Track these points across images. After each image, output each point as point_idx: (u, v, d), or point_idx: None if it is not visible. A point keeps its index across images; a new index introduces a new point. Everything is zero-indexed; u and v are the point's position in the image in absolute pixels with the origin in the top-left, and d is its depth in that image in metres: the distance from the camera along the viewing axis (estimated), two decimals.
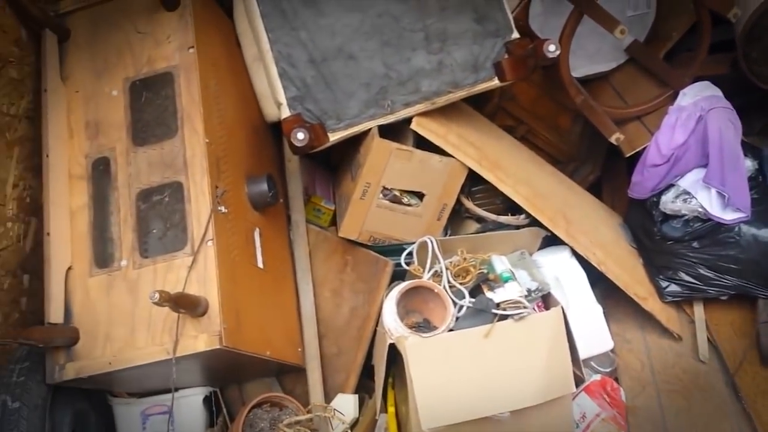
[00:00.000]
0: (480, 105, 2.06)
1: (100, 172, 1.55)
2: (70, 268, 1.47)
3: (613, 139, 1.92)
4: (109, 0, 1.70)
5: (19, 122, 1.63)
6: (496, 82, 1.76)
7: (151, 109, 1.60)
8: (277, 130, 1.91)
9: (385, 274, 1.75)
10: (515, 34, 1.77)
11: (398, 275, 1.76)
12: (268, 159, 1.90)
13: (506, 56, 1.74)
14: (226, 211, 1.52)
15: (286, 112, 1.65)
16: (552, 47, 1.70)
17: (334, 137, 1.68)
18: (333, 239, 1.83)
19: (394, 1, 1.71)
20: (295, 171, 1.90)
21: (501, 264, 1.65)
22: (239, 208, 1.60)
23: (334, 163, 2.05)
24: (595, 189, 2.24)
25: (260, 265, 1.61)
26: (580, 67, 2.11)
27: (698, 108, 1.84)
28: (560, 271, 1.75)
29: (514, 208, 1.80)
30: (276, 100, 1.68)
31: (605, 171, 2.26)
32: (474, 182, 1.83)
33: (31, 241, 1.60)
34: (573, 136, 2.21)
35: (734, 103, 1.87)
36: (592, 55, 2.13)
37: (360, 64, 1.70)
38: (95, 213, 1.52)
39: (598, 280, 1.79)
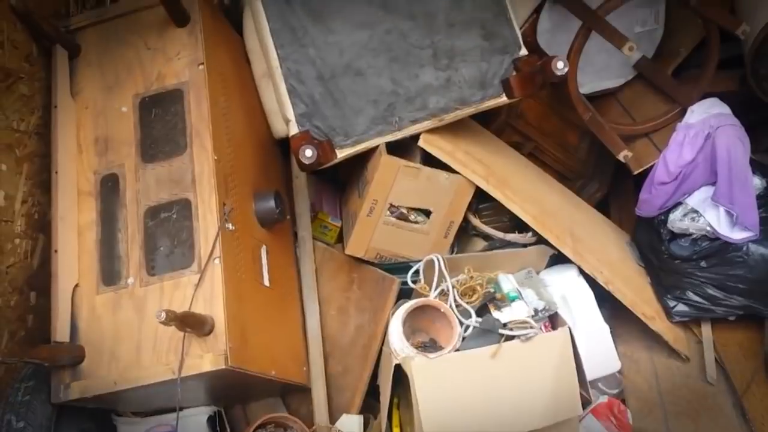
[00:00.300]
0: (488, 121, 2.06)
1: (109, 188, 1.56)
2: (77, 286, 1.48)
3: (621, 157, 1.91)
4: (119, 16, 1.71)
5: (29, 138, 1.63)
6: (504, 99, 1.76)
7: (160, 125, 1.60)
8: (284, 146, 1.91)
9: (391, 293, 1.74)
10: (523, 51, 1.77)
11: (405, 293, 1.76)
12: (275, 175, 1.90)
13: (514, 73, 1.74)
14: (234, 228, 1.52)
15: (294, 129, 1.65)
16: (560, 64, 1.70)
17: (341, 154, 1.68)
18: (339, 257, 1.82)
19: (402, 18, 1.72)
20: (303, 187, 1.90)
21: (508, 283, 1.65)
22: (246, 225, 1.60)
23: (342, 180, 2.05)
24: (603, 206, 2.23)
25: (266, 283, 1.61)
26: (588, 83, 2.11)
27: (706, 125, 1.83)
28: (567, 290, 1.74)
29: (522, 226, 1.79)
30: (284, 117, 1.68)
31: (613, 188, 2.26)
32: (481, 199, 1.83)
33: (39, 257, 1.60)
34: (581, 153, 2.20)
35: (743, 119, 1.86)
36: (600, 71, 2.13)
37: (368, 80, 1.70)
38: (103, 230, 1.52)
39: (606, 299, 1.77)
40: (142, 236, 1.49)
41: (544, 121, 2.15)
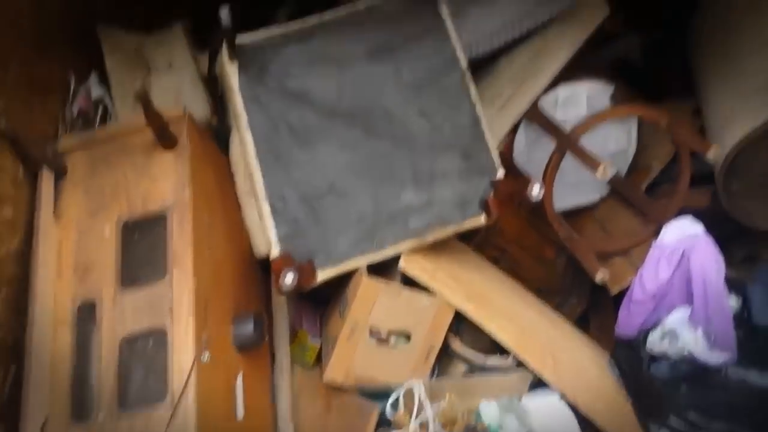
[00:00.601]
0: (467, 237, 2.09)
1: (86, 316, 1.53)
2: (46, 422, 1.43)
3: (598, 280, 1.94)
4: (107, 139, 1.74)
5: (9, 262, 1.62)
6: (482, 220, 1.80)
7: (141, 249, 1.60)
8: (264, 261, 1.92)
9: (370, 422, 1.70)
10: (500, 173, 1.83)
11: (386, 420, 1.72)
12: (255, 291, 1.90)
13: (492, 194, 1.79)
14: (210, 358, 1.49)
15: (275, 251, 1.67)
16: (536, 190, 1.76)
17: (323, 275, 1.69)
18: (317, 381, 1.79)
19: (384, 141, 1.78)
20: (282, 305, 1.90)
21: (489, 412, 1.63)
22: (223, 352, 1.58)
23: (323, 297, 2.04)
24: (583, 319, 2.24)
25: (240, 417, 1.56)
26: (564, 199, 2.16)
27: (681, 245, 1.86)
28: (550, 416, 1.71)
29: (503, 348, 1.78)
30: (266, 237, 1.70)
31: (592, 302, 2.27)
32: (462, 319, 1.83)
33: (9, 387, 1.55)
34: (558, 267, 2.23)
35: (716, 232, 1.89)
36: (575, 187, 2.19)
37: (350, 201, 1.74)
38: (77, 360, 1.49)
39: (589, 424, 1.74)
40: (115, 368, 1.45)
41: (522, 236, 2.18)
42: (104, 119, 1.91)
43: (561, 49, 2.02)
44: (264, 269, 1.96)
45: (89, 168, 1.72)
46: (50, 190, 1.70)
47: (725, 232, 2.00)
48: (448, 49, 1.82)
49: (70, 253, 1.62)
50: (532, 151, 2.14)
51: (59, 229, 1.65)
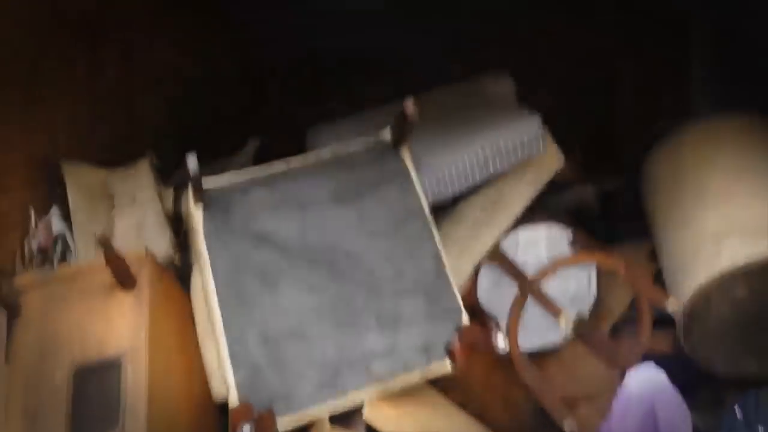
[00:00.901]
0: (433, 379, 2.05)
1: None
2: None
3: (565, 428, 1.91)
4: (65, 279, 1.71)
5: None
6: (447, 366, 1.78)
7: (94, 397, 1.53)
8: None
9: None
10: (465, 318, 1.83)
11: None
12: None
13: (457, 341, 1.78)
14: None
15: (234, 398, 1.61)
16: (501, 343, 1.75)
17: (282, 425, 1.62)
18: None
19: (348, 284, 1.78)
20: None
21: None
22: None
23: None
24: None
25: None
26: (529, 340, 2.16)
27: (646, 396, 1.85)
28: None
29: None
30: (225, 381, 1.65)
31: None
32: None
33: None
34: (527, 411, 2.19)
35: (681, 375, 1.89)
36: (539, 329, 2.19)
37: (313, 344, 1.71)
38: None
39: None
40: None
41: (490, 378, 2.15)
42: (64, 255, 1.88)
43: (519, 196, 2.11)
44: (223, 410, 1.89)
45: (44, 308, 1.67)
46: (2, 331, 1.64)
47: (690, 374, 2.01)
48: (412, 197, 1.88)
49: (19, 399, 1.54)
50: (495, 292, 2.16)
51: (9, 372, 1.58)
